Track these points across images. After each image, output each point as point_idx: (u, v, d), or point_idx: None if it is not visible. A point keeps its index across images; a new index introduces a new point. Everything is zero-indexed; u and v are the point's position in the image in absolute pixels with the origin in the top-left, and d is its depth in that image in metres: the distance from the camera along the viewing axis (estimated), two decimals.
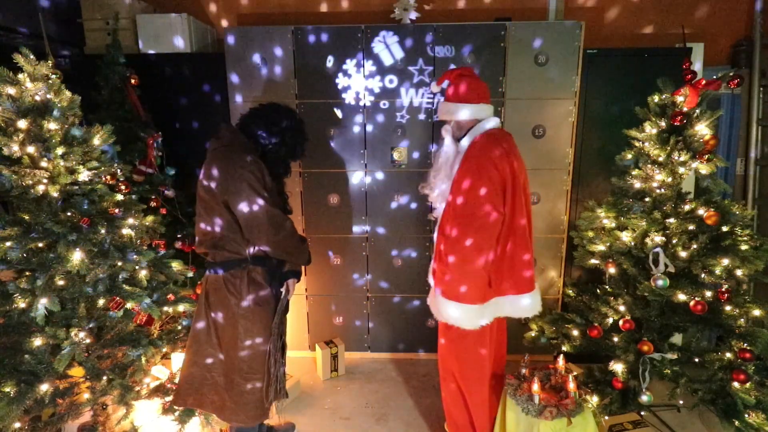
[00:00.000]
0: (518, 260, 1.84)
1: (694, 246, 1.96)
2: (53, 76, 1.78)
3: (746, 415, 1.81)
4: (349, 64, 2.65)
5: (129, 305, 1.87)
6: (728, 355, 1.91)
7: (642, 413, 2.11)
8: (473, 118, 1.88)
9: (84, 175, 1.83)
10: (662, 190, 2.04)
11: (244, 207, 1.69)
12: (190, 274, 2.29)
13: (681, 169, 2.00)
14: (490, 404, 2.01)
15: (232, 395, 1.82)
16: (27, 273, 1.78)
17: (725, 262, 1.89)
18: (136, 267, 1.96)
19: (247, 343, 1.80)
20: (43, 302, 1.71)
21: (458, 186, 1.82)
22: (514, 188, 1.80)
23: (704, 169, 1.99)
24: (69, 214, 1.80)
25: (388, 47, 2.62)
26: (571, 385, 1.83)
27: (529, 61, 2.61)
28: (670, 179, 2.02)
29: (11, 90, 1.70)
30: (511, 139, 1.90)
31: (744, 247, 1.89)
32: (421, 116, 2.71)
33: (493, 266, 1.83)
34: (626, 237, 2.07)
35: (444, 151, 1.94)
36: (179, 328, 2.20)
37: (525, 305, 1.88)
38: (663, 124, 2.05)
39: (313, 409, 2.53)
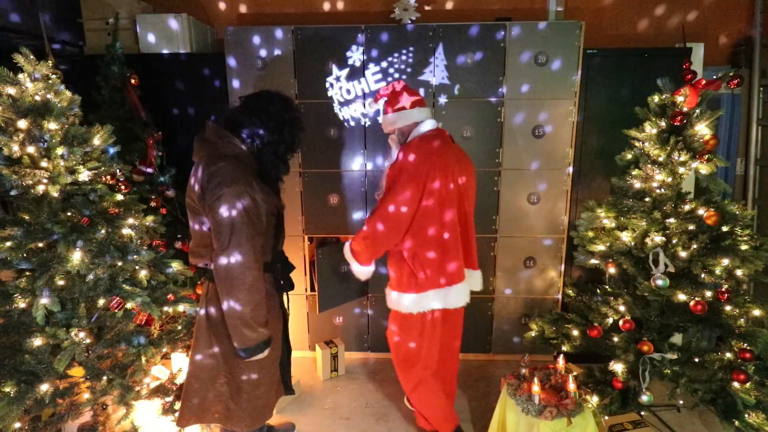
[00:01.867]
0: (435, 258, 1.94)
1: (694, 246, 1.95)
2: (53, 76, 1.78)
3: (746, 415, 1.80)
4: (348, 63, 2.66)
5: (129, 305, 1.87)
6: (728, 355, 1.91)
7: (642, 413, 2.11)
8: (409, 122, 2.00)
9: (84, 175, 1.82)
10: (662, 190, 2.04)
11: (215, 223, 1.57)
12: (190, 274, 2.29)
13: (681, 169, 2.00)
14: (430, 397, 2.12)
15: (239, 402, 1.79)
16: (27, 273, 1.78)
17: (725, 262, 1.89)
18: (136, 267, 1.96)
19: None
20: (43, 302, 1.71)
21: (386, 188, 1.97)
22: (444, 187, 1.89)
23: (704, 169, 1.99)
24: (69, 214, 1.80)
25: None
26: (571, 385, 1.83)
27: (529, 61, 2.61)
28: (670, 179, 2.01)
29: (11, 90, 1.70)
30: (444, 139, 1.97)
31: (744, 247, 1.89)
32: None
33: (421, 258, 1.95)
34: (626, 237, 2.07)
35: (392, 159, 2.06)
36: (179, 328, 2.19)
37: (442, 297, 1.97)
38: (663, 124, 2.05)
39: (313, 409, 2.53)
